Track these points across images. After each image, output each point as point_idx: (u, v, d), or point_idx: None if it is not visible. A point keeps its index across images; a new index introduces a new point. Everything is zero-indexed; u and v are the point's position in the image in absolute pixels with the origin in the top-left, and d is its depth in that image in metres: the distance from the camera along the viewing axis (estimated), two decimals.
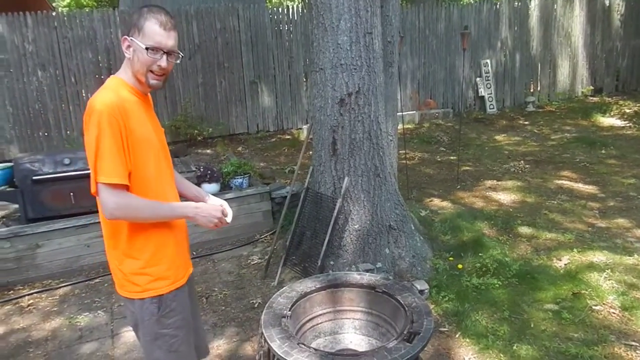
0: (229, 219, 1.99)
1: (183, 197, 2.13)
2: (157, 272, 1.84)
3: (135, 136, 1.74)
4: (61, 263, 4.31)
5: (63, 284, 4.14)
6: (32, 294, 4.00)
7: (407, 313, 2.71)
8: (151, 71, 1.78)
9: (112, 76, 1.84)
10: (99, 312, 3.73)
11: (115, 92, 1.73)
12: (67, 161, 4.36)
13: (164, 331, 1.88)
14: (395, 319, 2.83)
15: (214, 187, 4.89)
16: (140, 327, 1.90)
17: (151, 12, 1.76)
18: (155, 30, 1.74)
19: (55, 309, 3.79)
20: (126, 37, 1.76)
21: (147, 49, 1.74)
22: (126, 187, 1.72)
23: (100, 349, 3.28)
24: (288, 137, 8.53)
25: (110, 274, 1.93)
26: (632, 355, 2.91)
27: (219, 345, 3.25)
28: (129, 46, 1.77)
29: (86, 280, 4.19)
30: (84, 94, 7.55)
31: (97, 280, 4.20)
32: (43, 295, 3.99)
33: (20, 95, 7.18)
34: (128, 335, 3.40)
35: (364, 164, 3.75)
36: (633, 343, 3.01)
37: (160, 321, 1.86)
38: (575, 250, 4.20)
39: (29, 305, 3.84)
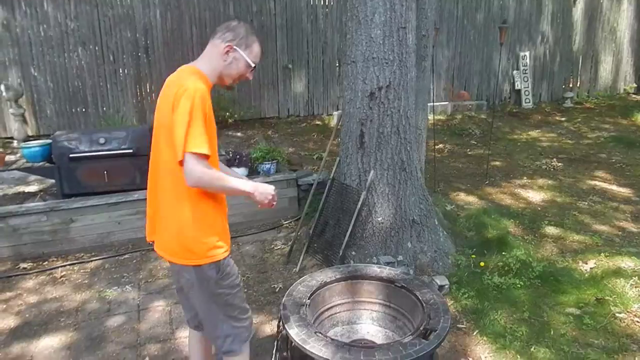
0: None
1: None
2: (213, 241, 2.07)
3: (210, 120, 1.98)
4: (93, 238, 4.48)
5: (94, 258, 4.31)
6: (65, 265, 4.18)
7: (425, 309, 2.74)
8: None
9: (190, 66, 2.08)
10: (127, 287, 3.87)
11: (201, 81, 1.98)
12: (102, 140, 4.51)
13: (220, 291, 2.14)
14: (412, 314, 2.86)
15: (242, 171, 4.97)
16: (197, 290, 2.13)
17: (255, 34, 2.11)
18: (258, 53, 2.12)
19: (86, 281, 3.96)
20: (232, 45, 2.04)
21: (249, 65, 2.10)
22: (208, 159, 1.94)
23: (127, 323, 3.42)
24: (318, 122, 8.55)
25: (150, 248, 2.15)
26: None
27: None
28: (228, 52, 2.04)
29: (116, 256, 4.35)
30: (121, 73, 7.72)
31: (126, 256, 4.36)
32: (75, 268, 4.17)
33: (61, 72, 7.39)
34: (154, 310, 3.54)
35: (391, 158, 3.75)
36: None
37: (218, 283, 2.12)
38: (602, 254, 4.12)
39: (61, 277, 4.02)
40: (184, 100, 1.88)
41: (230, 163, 5.04)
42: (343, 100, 3.97)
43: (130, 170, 4.61)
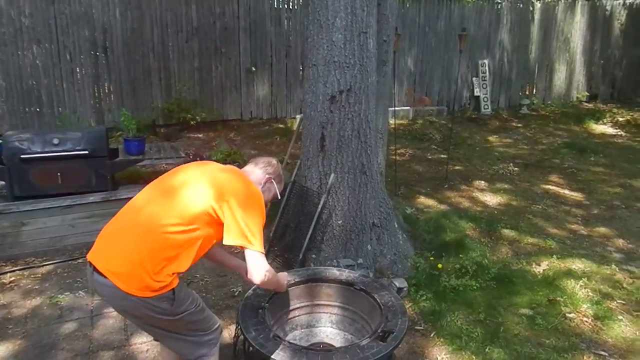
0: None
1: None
2: (167, 279, 2.09)
3: None
4: (45, 242, 4.32)
5: (46, 263, 4.15)
6: (14, 271, 4.01)
7: (383, 312, 2.76)
8: None
9: (248, 178, 2.36)
10: (80, 292, 3.75)
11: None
12: (55, 141, 4.37)
13: (178, 318, 2.18)
14: (371, 317, 2.88)
15: None
16: (150, 321, 2.17)
17: (280, 171, 2.57)
18: (281, 187, 2.57)
19: (36, 287, 3.81)
20: (271, 179, 2.48)
21: (277, 196, 2.54)
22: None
23: (79, 329, 3.30)
24: (281, 125, 8.54)
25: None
26: None
27: None
28: (266, 183, 2.46)
29: (69, 260, 4.20)
30: (78, 72, 7.51)
31: (80, 260, 4.20)
32: (25, 273, 4.01)
33: (14, 70, 7.12)
34: (108, 316, 3.43)
35: (351, 161, 3.77)
36: (602, 352, 3.09)
37: (174, 312, 2.15)
38: (555, 256, 4.27)
39: (10, 282, 3.86)
40: (256, 206, 2.20)
41: None
42: (304, 103, 3.97)
43: (85, 172, 4.49)
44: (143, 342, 3.17)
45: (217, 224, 2.15)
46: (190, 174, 2.28)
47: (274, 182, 2.50)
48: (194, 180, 2.23)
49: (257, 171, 2.47)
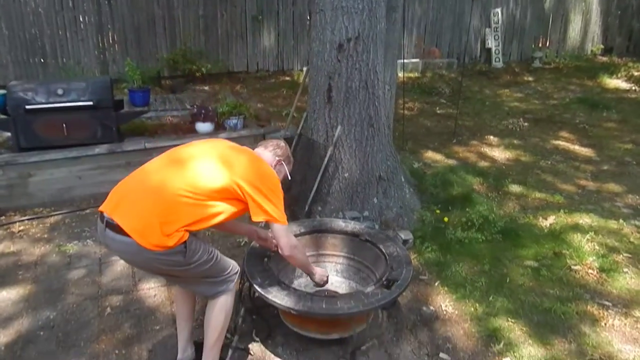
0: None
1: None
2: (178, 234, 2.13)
3: None
4: (52, 193, 4.34)
5: (54, 213, 4.19)
6: (23, 220, 4.06)
7: (388, 261, 2.78)
8: None
9: (262, 158, 2.45)
10: (88, 241, 3.80)
11: None
12: (60, 92, 4.30)
13: (193, 268, 2.23)
14: (376, 266, 2.90)
15: (207, 126, 4.86)
16: (166, 271, 2.26)
17: (289, 152, 2.65)
18: (291, 167, 2.65)
19: (45, 236, 3.86)
20: (281, 161, 2.55)
21: (287, 177, 2.61)
22: None
23: (88, 275, 3.36)
24: (288, 78, 8.39)
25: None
26: (603, 313, 3.01)
27: None
28: (277, 165, 2.51)
29: (77, 211, 4.24)
30: (81, 20, 7.35)
31: (87, 211, 4.24)
32: (34, 223, 4.05)
33: (17, 18, 6.98)
34: (116, 264, 3.48)
35: (359, 113, 3.70)
36: (606, 302, 3.11)
37: (188, 263, 2.19)
38: (562, 211, 4.24)
39: (19, 231, 3.91)
40: (273, 177, 2.34)
41: (195, 118, 4.91)
42: (311, 52, 3.87)
43: (90, 124, 4.44)
44: (150, 288, 3.22)
45: (237, 201, 2.23)
46: (206, 150, 2.35)
47: (284, 164, 2.57)
48: (210, 156, 2.29)
49: (266, 154, 2.53)
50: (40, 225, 4.01)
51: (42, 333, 2.81)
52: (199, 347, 2.51)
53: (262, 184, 2.26)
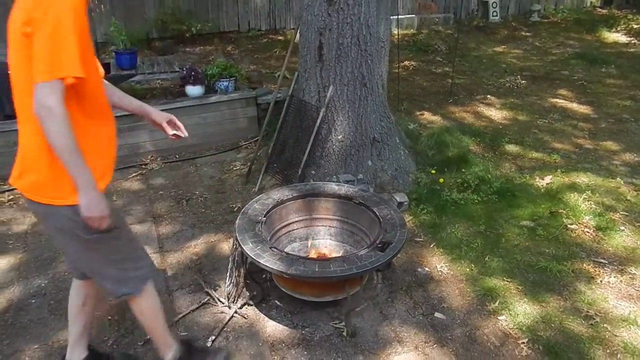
0: (184, 133, 2.12)
1: (123, 111, 2.17)
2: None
3: (87, 32, 1.63)
4: None
5: None
6: (12, 190, 3.99)
7: (382, 224, 2.74)
8: None
9: None
10: None
11: None
12: None
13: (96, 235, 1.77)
14: (370, 229, 2.87)
15: (198, 89, 4.73)
16: (67, 233, 1.82)
17: None
18: None
19: None
20: None
21: None
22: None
23: None
24: (281, 37, 8.17)
25: None
26: (599, 271, 3.00)
27: (196, 244, 3.30)
28: None
29: None
30: None
31: None
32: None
33: None
34: None
35: (351, 72, 3.59)
36: (602, 260, 3.09)
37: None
38: (559, 170, 4.19)
39: (9, 201, 3.84)
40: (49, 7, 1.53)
41: (184, 81, 4.78)
42: (301, 6, 3.72)
43: None
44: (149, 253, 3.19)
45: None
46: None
47: None
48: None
49: None
50: None
51: (33, 301, 2.79)
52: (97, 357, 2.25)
53: (36, 9, 1.53)
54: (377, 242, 2.59)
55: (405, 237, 2.63)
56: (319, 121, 3.62)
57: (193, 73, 4.76)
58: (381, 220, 2.77)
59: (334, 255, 2.88)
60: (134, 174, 4.25)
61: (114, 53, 5.53)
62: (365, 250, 2.54)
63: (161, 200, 3.88)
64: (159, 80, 5.35)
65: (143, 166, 4.39)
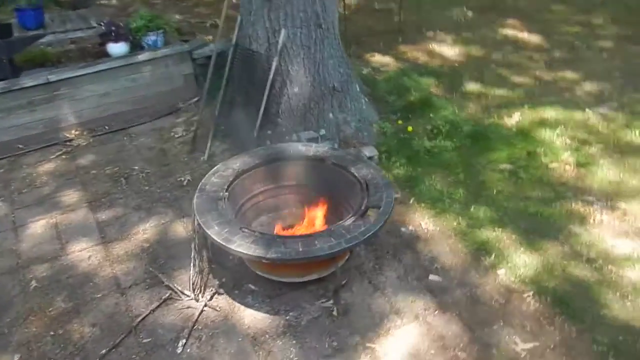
0: None
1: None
2: None
3: None
4: None
5: None
6: None
7: (362, 186, 2.40)
8: None
9: None
10: None
11: None
12: None
13: None
14: (351, 194, 2.51)
15: (122, 47, 4.09)
16: None
17: None
18: None
19: None
20: None
21: None
22: None
23: (1, 245, 2.79)
24: None
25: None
26: (589, 210, 2.86)
27: (145, 229, 2.86)
28: None
29: None
30: None
31: None
32: None
33: None
34: (35, 225, 2.92)
35: (304, 11, 3.13)
36: (589, 198, 2.95)
37: None
38: (525, 106, 4.00)
39: None
40: None
41: (105, 38, 4.12)
42: None
43: None
44: (83, 249, 2.74)
45: None
46: None
47: None
48: None
49: None
50: None
51: None
52: None
53: None
54: (363, 207, 2.24)
55: (393, 199, 2.30)
56: (272, 73, 3.16)
57: (114, 28, 4.11)
58: (361, 181, 2.42)
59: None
60: (57, 154, 3.64)
61: (14, 11, 4.72)
62: (351, 219, 2.19)
63: (95, 181, 3.33)
64: (74, 39, 4.62)
65: (67, 143, 3.78)
